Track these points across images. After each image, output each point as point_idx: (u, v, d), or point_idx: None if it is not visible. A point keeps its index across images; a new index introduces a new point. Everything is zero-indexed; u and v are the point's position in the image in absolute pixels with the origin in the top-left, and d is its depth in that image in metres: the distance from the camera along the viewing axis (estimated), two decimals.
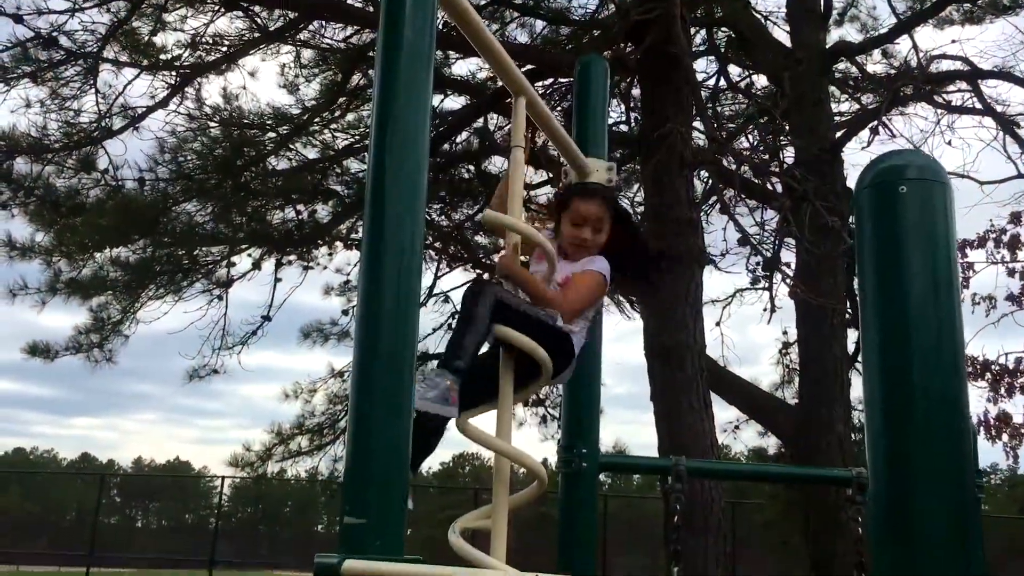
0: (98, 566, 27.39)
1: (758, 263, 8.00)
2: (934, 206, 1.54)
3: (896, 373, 1.53)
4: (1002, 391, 8.84)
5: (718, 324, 12.27)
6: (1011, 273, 9.03)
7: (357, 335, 2.33)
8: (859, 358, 11.31)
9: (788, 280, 7.68)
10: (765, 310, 12.06)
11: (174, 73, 9.20)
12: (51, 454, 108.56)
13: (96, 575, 23.24)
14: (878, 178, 1.58)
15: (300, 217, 9.77)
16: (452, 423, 2.94)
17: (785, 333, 12.08)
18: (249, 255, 10.26)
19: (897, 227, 1.53)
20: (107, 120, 9.01)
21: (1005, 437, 8.75)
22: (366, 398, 2.27)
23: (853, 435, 9.88)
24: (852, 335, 10.25)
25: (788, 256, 8.75)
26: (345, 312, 11.24)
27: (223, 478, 23.71)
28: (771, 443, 13.19)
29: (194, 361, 10.24)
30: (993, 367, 8.87)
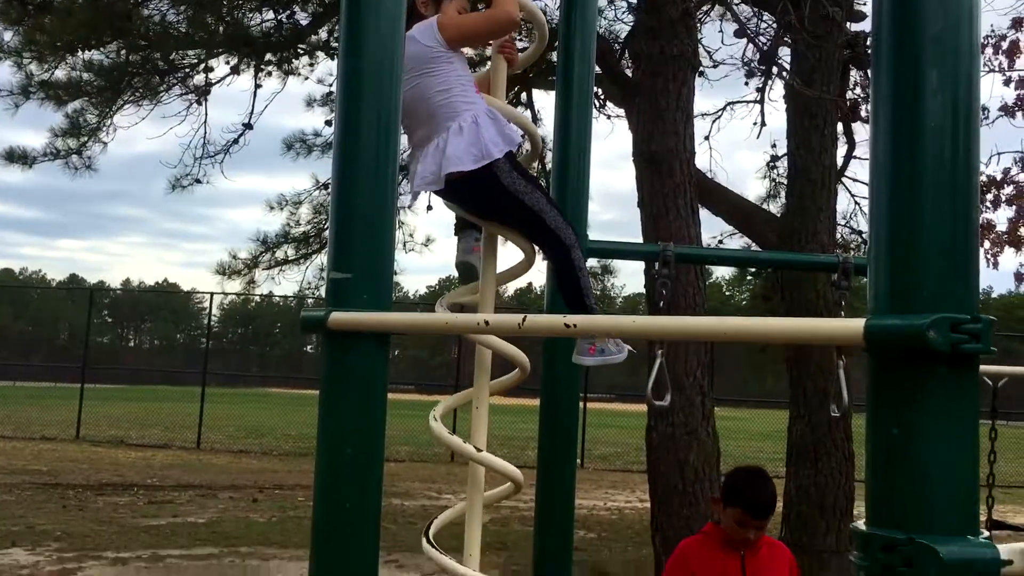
0: (92, 382, 28.07)
1: (754, 64, 7.77)
2: None
3: (905, 120, 1.44)
4: (987, 203, 8.83)
5: (707, 139, 12.16)
6: (1007, 82, 8.83)
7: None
8: (846, 172, 11.26)
9: (784, 74, 7.48)
10: (755, 124, 11.93)
11: None
12: (39, 275, 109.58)
13: (90, 391, 23.85)
14: None
15: (278, 18, 9.37)
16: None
17: (774, 146, 11.98)
18: (227, 62, 9.93)
19: None
20: None
21: (987, 244, 8.81)
22: (351, 144, 2.20)
23: (836, 250, 9.93)
24: (841, 150, 10.16)
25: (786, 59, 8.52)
26: (328, 123, 11.00)
27: (212, 295, 23.95)
28: None
29: (176, 170, 10.09)
30: (981, 178, 8.81)
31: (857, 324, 1.41)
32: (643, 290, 9.15)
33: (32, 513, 10.58)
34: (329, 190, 11.07)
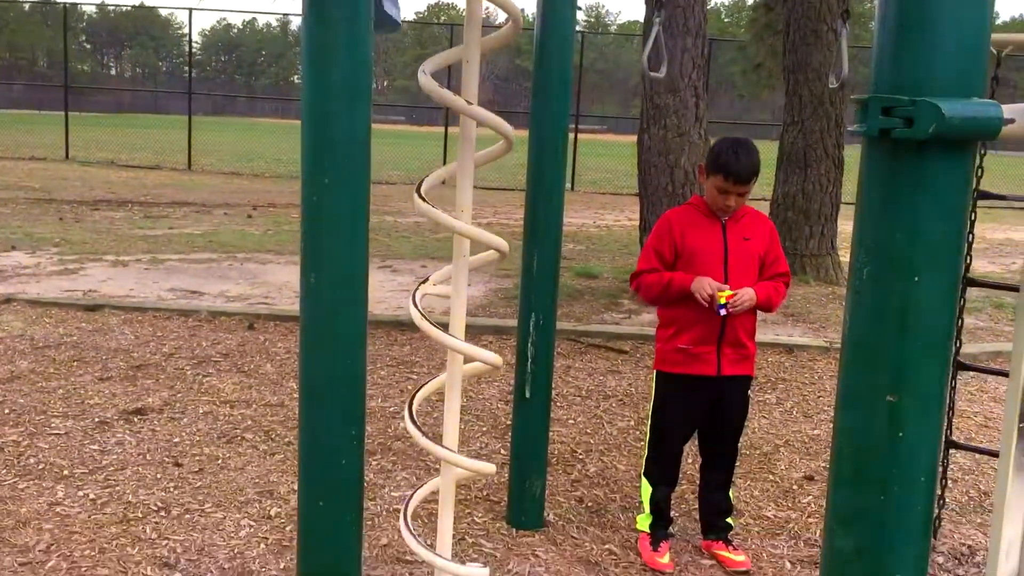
0: (76, 109, 27.62)
1: None
2: None
3: None
4: None
5: None
6: None
7: None
8: None
9: None
10: None
11: None
12: None
13: (75, 118, 23.47)
14: None
15: None
16: None
17: None
18: None
19: None
20: None
21: None
22: None
23: None
24: None
25: None
26: None
27: (191, 11, 22.93)
28: None
29: None
30: None
31: None
32: (638, 18, 8.75)
33: (29, 224, 10.71)
34: None
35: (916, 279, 1.35)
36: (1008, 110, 1.32)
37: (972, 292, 4.05)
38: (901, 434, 1.39)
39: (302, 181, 2.09)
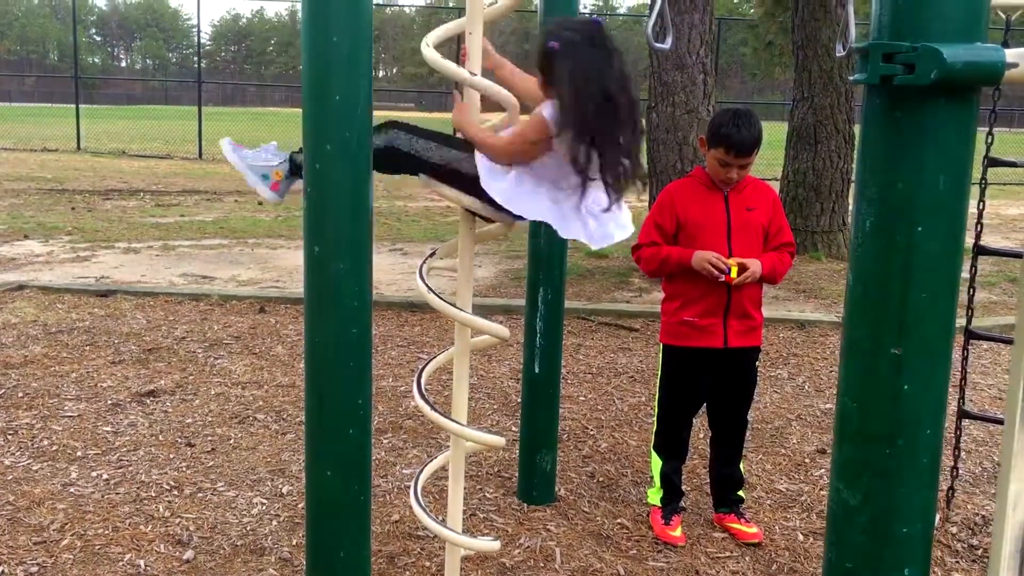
0: (88, 102, 27.67)
1: None
2: None
3: None
4: None
5: None
6: None
7: None
8: None
9: None
10: None
11: None
12: None
13: (87, 110, 23.55)
14: None
15: None
16: None
17: None
18: None
19: None
20: None
21: None
22: None
23: None
24: None
25: None
26: None
27: (199, 1, 22.88)
28: None
29: None
30: None
31: None
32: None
33: (42, 214, 10.75)
34: None
35: (919, 229, 1.34)
36: (1011, 54, 1.30)
37: (985, 267, 4.02)
38: (906, 387, 1.38)
39: (304, 150, 2.08)
